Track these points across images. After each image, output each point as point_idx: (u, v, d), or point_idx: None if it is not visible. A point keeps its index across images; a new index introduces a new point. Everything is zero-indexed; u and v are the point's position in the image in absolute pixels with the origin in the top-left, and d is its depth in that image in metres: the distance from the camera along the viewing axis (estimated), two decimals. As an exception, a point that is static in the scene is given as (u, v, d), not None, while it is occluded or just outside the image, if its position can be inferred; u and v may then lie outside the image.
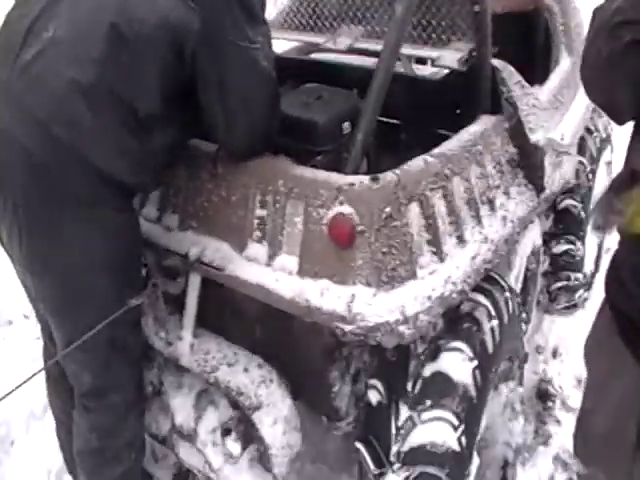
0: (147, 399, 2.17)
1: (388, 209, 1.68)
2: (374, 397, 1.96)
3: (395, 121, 2.48)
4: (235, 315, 2.10)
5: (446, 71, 2.13)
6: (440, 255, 1.79)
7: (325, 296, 1.73)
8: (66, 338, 1.85)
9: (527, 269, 2.63)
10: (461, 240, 1.86)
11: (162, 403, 2.17)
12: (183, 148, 1.96)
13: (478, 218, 1.93)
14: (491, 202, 2.00)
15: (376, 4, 2.27)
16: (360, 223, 1.69)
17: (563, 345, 3.23)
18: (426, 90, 2.23)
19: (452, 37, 2.11)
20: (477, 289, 2.00)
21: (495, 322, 1.98)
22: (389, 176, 1.70)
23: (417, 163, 1.77)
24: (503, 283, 2.12)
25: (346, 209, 1.70)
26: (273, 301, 1.83)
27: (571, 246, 2.98)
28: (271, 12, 2.59)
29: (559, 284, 3.10)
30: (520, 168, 2.14)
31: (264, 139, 1.85)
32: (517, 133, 2.12)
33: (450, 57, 2.03)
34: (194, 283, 2.08)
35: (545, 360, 3.18)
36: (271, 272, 1.85)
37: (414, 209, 1.73)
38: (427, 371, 1.92)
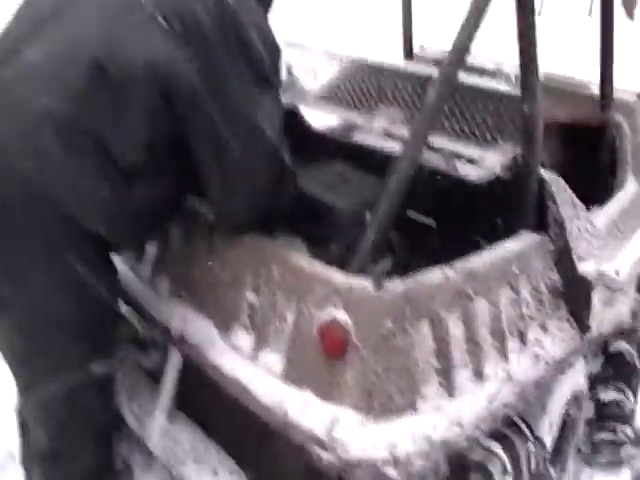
0: (114, 475, 1.92)
1: (390, 324, 1.40)
2: None
3: (430, 221, 2.21)
4: (214, 405, 1.82)
5: (493, 174, 1.86)
6: (450, 388, 1.49)
7: (306, 412, 1.46)
8: (21, 386, 1.70)
9: (567, 414, 2.25)
10: (479, 375, 1.55)
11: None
12: (176, 206, 1.74)
13: (503, 352, 1.62)
14: (522, 335, 1.69)
15: (418, 88, 2.06)
16: (355, 334, 1.41)
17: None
18: (467, 192, 1.98)
19: (499, 137, 1.85)
20: (494, 435, 1.68)
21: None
22: (397, 285, 1.43)
23: (434, 275, 1.50)
24: (527, 432, 1.78)
25: (341, 315, 1.43)
26: (250, 403, 1.57)
27: (621, 395, 2.59)
28: (311, 84, 2.42)
29: (603, 435, 2.68)
30: (564, 300, 1.83)
31: (265, 213, 1.63)
32: (563, 259, 1.83)
33: (493, 160, 1.78)
34: (174, 360, 1.86)
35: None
36: (253, 368, 1.61)
37: (423, 328, 1.45)
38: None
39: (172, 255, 1.94)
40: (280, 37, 2.43)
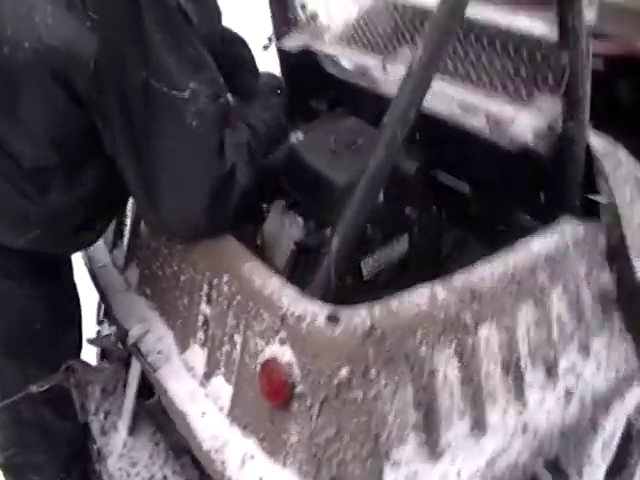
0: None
1: (346, 371, 1.04)
2: None
3: (465, 188, 1.77)
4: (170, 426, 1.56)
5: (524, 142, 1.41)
6: (433, 449, 1.14)
7: (246, 467, 1.16)
8: None
9: (630, 424, 1.82)
10: (479, 427, 1.18)
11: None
12: (113, 209, 1.45)
13: (519, 389, 1.23)
14: (551, 364, 1.28)
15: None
16: (302, 381, 1.07)
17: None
18: (501, 160, 1.53)
19: (535, 91, 1.39)
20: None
21: None
22: (359, 316, 1.06)
23: (417, 298, 1.11)
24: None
25: (284, 354, 1.10)
26: (190, 441, 1.30)
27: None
28: (330, 22, 1.98)
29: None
30: (617, 310, 1.38)
31: (212, 221, 1.29)
32: (618, 257, 1.37)
33: (524, 124, 1.32)
34: (135, 370, 1.63)
35: None
36: (202, 398, 1.33)
37: (397, 374, 1.09)
38: None
39: (141, 245, 1.66)
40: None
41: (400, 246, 1.66)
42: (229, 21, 1.60)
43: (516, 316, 1.22)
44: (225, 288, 1.27)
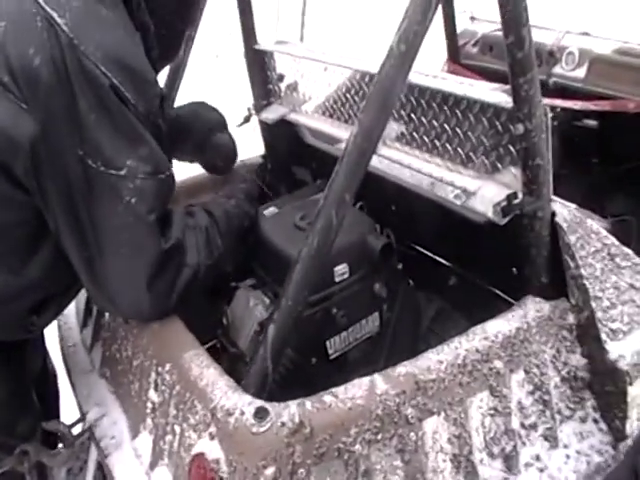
0: None
1: (271, 471, 0.98)
2: None
3: (443, 261, 1.72)
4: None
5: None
6: None
7: None
8: None
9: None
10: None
11: None
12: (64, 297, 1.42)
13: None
14: (510, 457, 1.19)
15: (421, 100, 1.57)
16: (227, 479, 1.00)
17: None
18: (475, 233, 1.48)
19: (498, 164, 1.34)
20: None
21: None
22: (288, 412, 1.00)
23: (350, 393, 1.05)
24: None
25: (213, 449, 1.04)
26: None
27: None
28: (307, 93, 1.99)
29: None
30: (589, 393, 1.29)
31: (156, 300, 1.25)
32: (588, 337, 1.29)
33: (486, 197, 1.27)
34: (93, 454, 1.58)
35: None
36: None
37: (326, 473, 1.01)
38: None
39: (104, 326, 1.63)
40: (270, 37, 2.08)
41: (370, 325, 1.60)
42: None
43: (468, 407, 1.14)
44: (167, 377, 1.23)
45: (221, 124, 1.83)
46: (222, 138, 1.83)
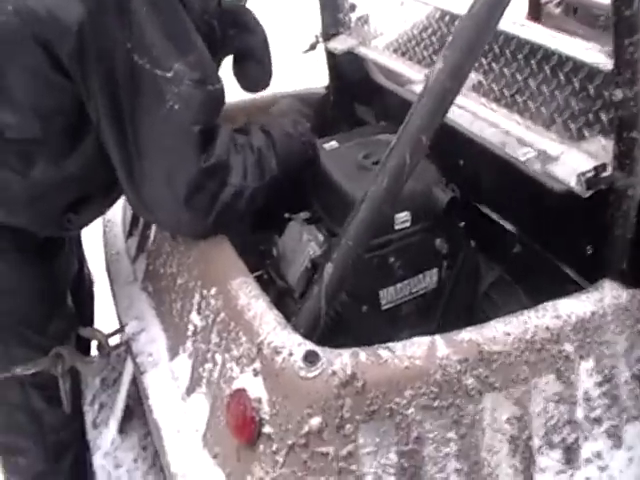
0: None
1: (317, 421, 0.90)
2: None
3: (509, 226, 1.60)
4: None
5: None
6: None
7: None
8: None
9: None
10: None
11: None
12: (105, 193, 1.35)
13: (527, 474, 1.06)
14: (570, 450, 1.10)
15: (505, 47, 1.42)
16: (269, 421, 0.94)
17: None
18: (550, 202, 1.36)
19: (585, 131, 1.21)
20: None
21: None
22: (340, 361, 0.92)
23: (409, 351, 0.96)
24: None
25: (255, 388, 0.97)
26: (161, 456, 1.20)
27: None
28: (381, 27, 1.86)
29: None
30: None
31: (194, 216, 1.19)
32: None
33: (569, 166, 1.15)
34: (129, 368, 1.57)
35: None
36: (180, 414, 1.22)
37: (375, 433, 0.93)
38: None
39: (150, 238, 1.57)
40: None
41: (427, 280, 1.51)
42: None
43: (531, 389, 1.05)
44: (212, 301, 1.16)
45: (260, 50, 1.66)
46: (254, 69, 1.66)
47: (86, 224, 1.41)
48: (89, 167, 1.22)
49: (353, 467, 0.93)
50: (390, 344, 0.98)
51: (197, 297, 1.24)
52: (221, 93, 1.18)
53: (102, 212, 1.45)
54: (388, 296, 1.46)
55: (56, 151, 1.19)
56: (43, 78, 1.11)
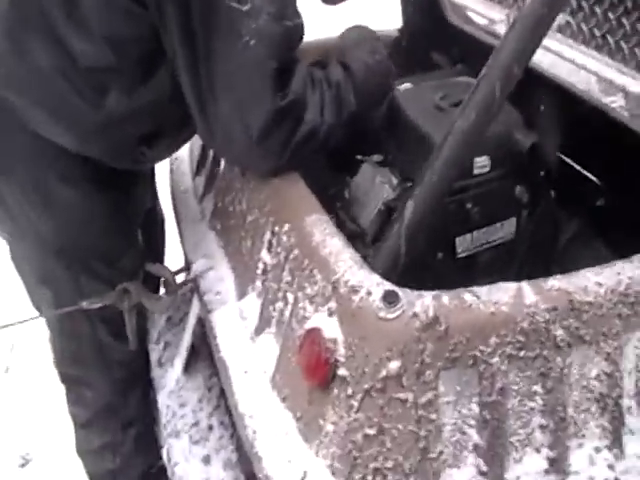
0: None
1: (396, 365, 0.86)
2: None
3: (593, 177, 1.50)
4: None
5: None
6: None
7: (277, 443, 1.02)
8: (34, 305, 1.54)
9: None
10: (558, 469, 0.96)
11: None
12: (177, 125, 1.31)
13: (617, 435, 0.99)
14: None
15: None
16: (345, 363, 0.90)
17: None
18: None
19: None
20: None
21: None
22: (422, 303, 0.87)
23: (495, 297, 0.90)
24: None
25: (331, 327, 0.92)
26: (229, 397, 1.18)
27: None
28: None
29: None
30: None
31: (268, 153, 1.15)
32: None
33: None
34: (195, 307, 1.57)
35: None
36: (248, 354, 1.19)
37: (457, 381, 0.88)
38: None
39: (219, 175, 1.54)
40: None
41: (505, 229, 1.43)
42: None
43: (624, 344, 0.97)
44: (284, 238, 1.12)
45: None
46: None
47: (160, 159, 1.40)
48: (162, 100, 1.20)
49: (432, 416, 0.89)
50: (475, 288, 0.92)
51: (268, 234, 1.20)
52: (300, 29, 1.14)
53: (176, 148, 1.43)
54: (464, 244, 1.39)
55: (130, 81, 1.17)
56: (117, 6, 1.09)
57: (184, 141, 1.41)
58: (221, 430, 1.49)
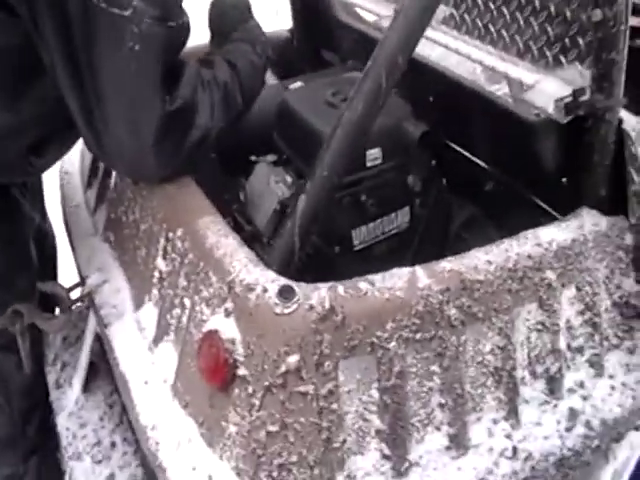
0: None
1: (294, 359, 0.86)
2: None
3: (481, 162, 1.56)
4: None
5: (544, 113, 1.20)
6: (400, 462, 0.95)
7: (180, 452, 1.00)
8: None
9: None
10: (458, 445, 0.99)
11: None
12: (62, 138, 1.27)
13: (512, 405, 1.04)
14: (554, 380, 1.08)
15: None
16: (243, 363, 0.89)
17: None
18: (524, 134, 1.32)
19: (562, 58, 1.17)
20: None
21: None
22: (318, 296, 0.87)
23: (389, 283, 0.92)
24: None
25: (228, 329, 0.91)
26: (129, 410, 1.14)
27: None
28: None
29: None
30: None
31: (161, 160, 1.10)
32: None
33: (546, 92, 1.11)
34: (92, 323, 1.50)
35: None
36: (148, 364, 1.16)
37: (358, 367, 0.89)
38: None
39: (111, 186, 1.48)
40: None
41: (399, 219, 1.46)
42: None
43: (514, 318, 1.02)
44: (179, 243, 1.10)
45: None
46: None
47: (49, 166, 1.33)
48: (46, 110, 1.14)
49: (334, 406, 0.89)
50: (369, 276, 0.93)
51: (162, 241, 1.17)
52: (186, 28, 1.10)
53: (65, 151, 1.35)
54: (361, 236, 1.41)
55: (8, 95, 1.10)
56: None
57: (73, 143, 1.35)
58: (125, 446, 1.43)
